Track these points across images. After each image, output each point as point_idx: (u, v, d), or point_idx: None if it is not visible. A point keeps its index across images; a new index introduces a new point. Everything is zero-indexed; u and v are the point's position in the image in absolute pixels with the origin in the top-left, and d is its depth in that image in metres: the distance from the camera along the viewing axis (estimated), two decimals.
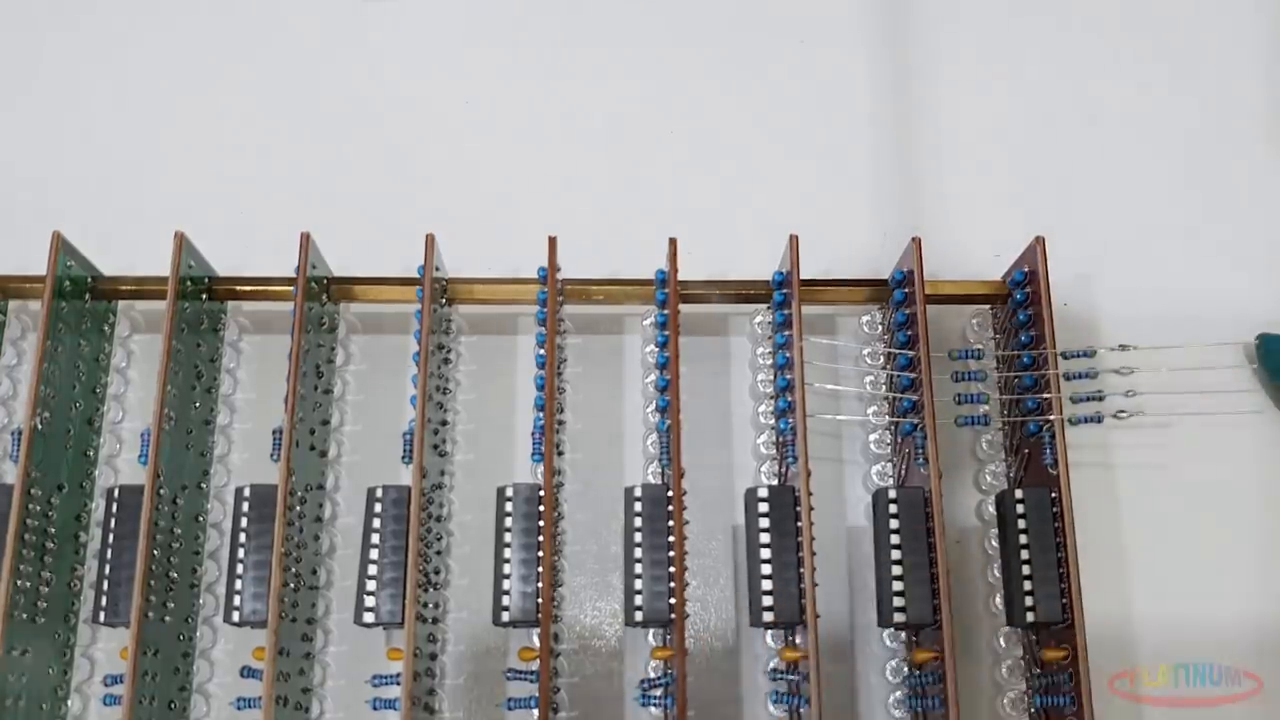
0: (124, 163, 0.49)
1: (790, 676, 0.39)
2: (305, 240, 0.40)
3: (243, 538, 0.39)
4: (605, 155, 0.49)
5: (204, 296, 0.43)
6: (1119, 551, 0.43)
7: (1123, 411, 0.39)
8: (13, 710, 0.37)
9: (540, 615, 0.37)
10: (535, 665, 0.37)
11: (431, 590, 0.40)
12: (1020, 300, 0.41)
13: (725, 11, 0.52)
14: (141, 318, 0.45)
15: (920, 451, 0.39)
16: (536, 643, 0.37)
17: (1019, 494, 0.39)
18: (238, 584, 0.39)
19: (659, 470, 0.41)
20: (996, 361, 0.43)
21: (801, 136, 0.49)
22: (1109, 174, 0.49)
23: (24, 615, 0.38)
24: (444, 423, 0.43)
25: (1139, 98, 0.50)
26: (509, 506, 0.39)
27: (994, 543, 0.41)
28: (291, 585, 0.38)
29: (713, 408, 0.44)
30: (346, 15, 0.51)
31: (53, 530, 0.40)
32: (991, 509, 0.42)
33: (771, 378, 0.42)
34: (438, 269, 0.42)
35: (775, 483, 0.42)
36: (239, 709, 0.39)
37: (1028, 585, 0.38)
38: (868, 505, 0.42)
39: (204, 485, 0.43)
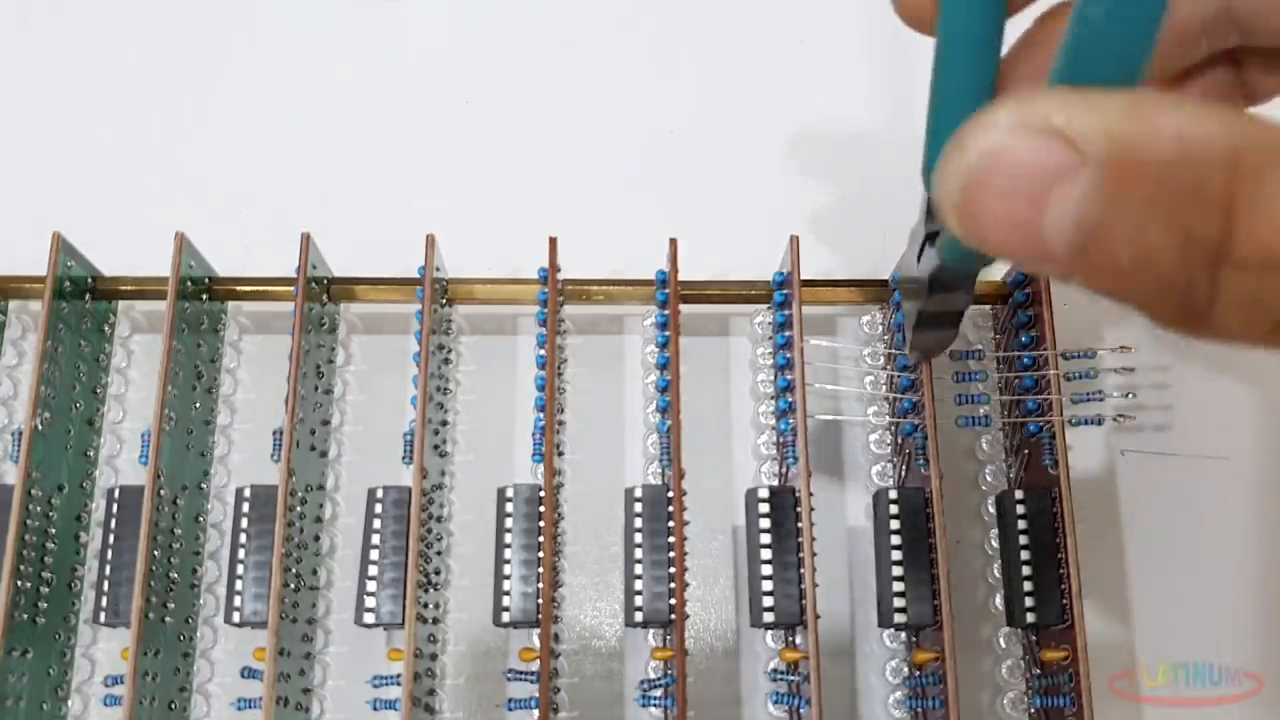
0: (124, 163, 0.49)
1: (790, 677, 0.39)
2: (305, 240, 0.40)
3: (243, 538, 0.40)
4: (605, 155, 0.49)
5: (204, 297, 0.43)
6: (1119, 551, 0.43)
7: (1123, 414, 0.39)
8: (13, 710, 0.37)
9: (540, 616, 0.37)
10: (535, 666, 0.37)
11: (432, 591, 0.40)
12: (1020, 301, 0.41)
13: (725, 11, 0.52)
14: (142, 318, 0.45)
15: (920, 452, 0.39)
16: (537, 643, 0.38)
17: (1019, 494, 0.39)
18: (238, 584, 0.39)
19: (659, 470, 0.41)
20: (997, 362, 0.43)
21: (801, 136, 0.49)
22: None
23: (24, 615, 0.38)
24: (444, 423, 0.43)
25: None
26: (509, 507, 0.39)
27: (994, 543, 0.41)
28: (292, 586, 0.38)
29: (713, 408, 0.44)
30: (346, 15, 0.51)
31: (53, 530, 0.39)
32: (991, 509, 0.42)
33: (772, 378, 0.42)
34: (438, 269, 0.41)
35: (775, 483, 0.42)
36: (239, 709, 0.39)
37: (1028, 586, 0.38)
38: (868, 505, 0.42)
39: (204, 486, 0.43)
